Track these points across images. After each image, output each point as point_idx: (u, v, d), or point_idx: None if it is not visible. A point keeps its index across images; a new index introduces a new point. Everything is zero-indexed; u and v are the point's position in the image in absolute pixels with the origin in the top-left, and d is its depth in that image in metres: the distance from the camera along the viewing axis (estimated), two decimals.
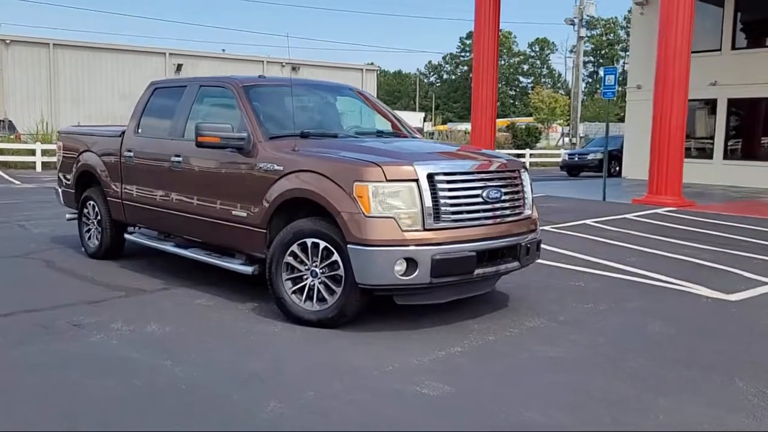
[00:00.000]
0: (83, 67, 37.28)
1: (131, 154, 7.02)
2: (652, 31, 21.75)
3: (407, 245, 4.77)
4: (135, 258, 7.74)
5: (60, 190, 8.53)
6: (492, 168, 5.33)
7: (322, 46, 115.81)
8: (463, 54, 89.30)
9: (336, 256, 5.01)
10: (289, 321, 5.24)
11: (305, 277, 5.19)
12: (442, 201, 4.90)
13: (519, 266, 5.40)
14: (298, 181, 5.21)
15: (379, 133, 6.45)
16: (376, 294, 5.05)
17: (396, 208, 4.82)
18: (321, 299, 5.14)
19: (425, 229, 4.84)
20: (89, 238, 7.89)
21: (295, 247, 5.19)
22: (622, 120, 66.50)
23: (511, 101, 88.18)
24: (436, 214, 4.87)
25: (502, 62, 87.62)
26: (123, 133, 7.28)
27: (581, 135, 44.78)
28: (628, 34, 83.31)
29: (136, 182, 7.00)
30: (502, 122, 46.68)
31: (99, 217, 7.66)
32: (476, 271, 5.01)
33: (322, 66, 43.17)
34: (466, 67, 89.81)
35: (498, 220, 5.24)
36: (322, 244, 5.06)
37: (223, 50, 46.94)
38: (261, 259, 5.67)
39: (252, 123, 5.74)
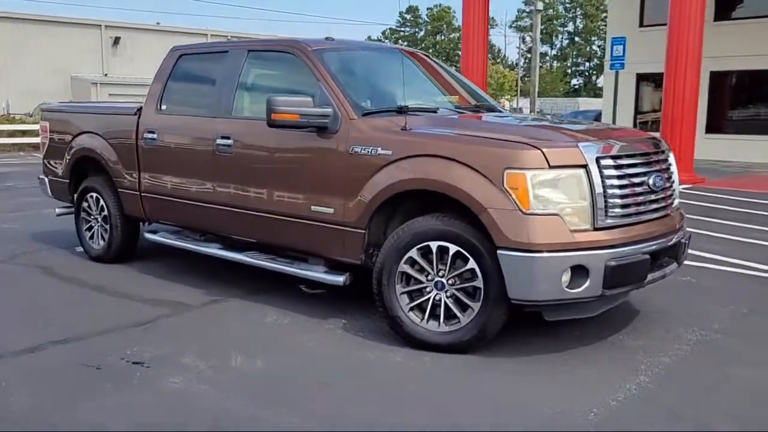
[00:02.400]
0: (9, 40, 34.41)
1: (154, 135, 5.73)
2: (630, 2, 21.25)
3: (577, 249, 3.76)
4: (149, 260, 6.48)
5: (47, 179, 7.12)
6: (651, 149, 4.35)
7: (255, 15, 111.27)
8: (402, 29, 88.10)
9: (472, 264, 3.95)
10: (405, 344, 4.18)
11: (427, 289, 4.13)
12: (609, 192, 3.90)
13: (677, 267, 4.48)
14: (416, 168, 4.11)
15: (477, 108, 5.35)
16: (527, 310, 4.03)
17: (560, 203, 3.80)
18: (449, 317, 4.09)
19: (595, 228, 3.84)
20: (92, 237, 6.56)
21: (413, 253, 4.11)
22: (567, 94, 66.94)
23: None
24: (605, 209, 3.87)
25: (442, 38, 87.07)
26: (139, 110, 5.97)
27: (537, 110, 44.45)
28: (566, 9, 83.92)
29: (162, 170, 5.73)
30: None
31: (106, 213, 6.34)
32: (648, 277, 4.06)
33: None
34: (406, 43, 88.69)
35: (662, 213, 4.29)
36: (453, 248, 3.99)
37: (158, 23, 44.27)
38: (350, 265, 4.58)
39: (338, 96, 4.58)
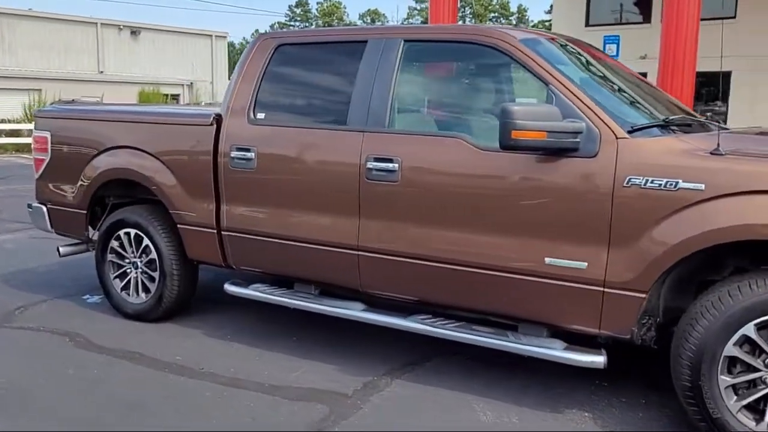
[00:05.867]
0: None
1: (250, 154, 4.16)
2: (575, 2, 20.96)
3: None
4: (206, 317, 4.93)
5: (45, 208, 5.28)
6: None
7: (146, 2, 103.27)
8: (292, 23, 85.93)
9: None
10: None
11: (766, 380, 2.94)
12: None
13: None
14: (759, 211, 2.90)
15: (710, 119, 4.17)
16: None
17: None
18: None
19: None
20: (126, 287, 4.87)
21: (749, 330, 2.92)
22: None
23: None
24: None
25: None
26: (218, 117, 4.37)
27: None
28: (461, 7, 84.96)
29: (262, 201, 4.18)
30: None
31: (153, 256, 4.69)
32: None
33: (167, 31, 38.47)
34: None
35: None
36: None
37: (30, 9, 39.89)
38: (600, 339, 3.33)
39: (589, 106, 3.29)
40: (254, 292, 4.32)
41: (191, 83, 37.93)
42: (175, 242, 4.62)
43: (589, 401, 3.57)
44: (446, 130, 3.73)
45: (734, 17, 18.05)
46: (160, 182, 4.55)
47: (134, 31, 37.27)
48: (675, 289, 3.31)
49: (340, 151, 3.87)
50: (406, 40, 3.86)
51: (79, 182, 4.97)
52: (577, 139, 3.21)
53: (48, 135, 5.17)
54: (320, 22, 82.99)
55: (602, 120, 3.24)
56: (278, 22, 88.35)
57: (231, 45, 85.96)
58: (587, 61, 3.91)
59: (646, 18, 19.69)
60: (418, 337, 3.85)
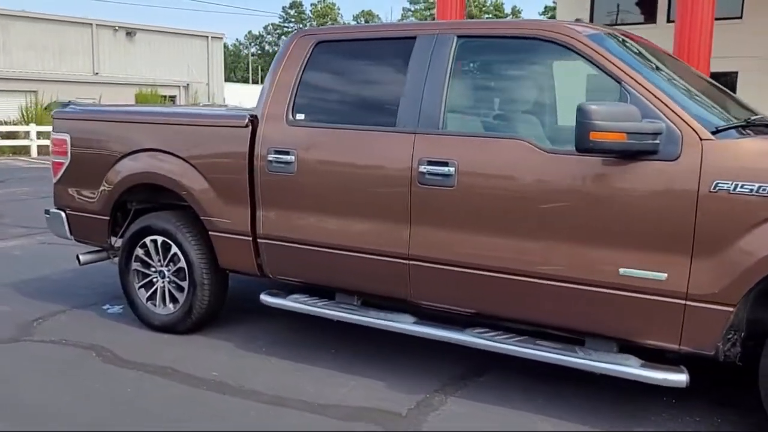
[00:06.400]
0: None
1: (290, 158, 3.92)
2: (579, 2, 20.79)
3: None
4: (234, 328, 4.68)
5: (64, 214, 5.02)
6: None
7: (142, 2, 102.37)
8: (286, 24, 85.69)
9: None
10: None
11: None
12: None
13: None
14: None
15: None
16: None
17: None
18: None
19: None
20: (152, 297, 4.62)
21: None
22: None
23: None
24: None
25: None
26: (253, 119, 4.13)
27: None
28: None
29: (303, 207, 3.94)
30: None
31: (182, 264, 4.44)
32: None
33: (163, 32, 38.12)
34: None
35: None
36: None
37: (22, 10, 39.46)
38: (680, 355, 3.11)
39: (669, 105, 3.07)
40: (294, 303, 4.07)
41: (187, 84, 37.62)
42: (205, 250, 4.38)
43: (662, 420, 3.35)
44: (505, 132, 3.51)
45: (740, 17, 17.90)
46: (191, 187, 4.30)
47: (129, 32, 36.94)
48: (756, 301, 3.09)
49: (389, 153, 3.64)
50: (459, 36, 3.64)
51: (102, 187, 4.72)
52: (657, 141, 2.99)
53: (67, 137, 4.92)
54: (314, 23, 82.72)
55: (684, 120, 3.02)
56: (272, 24, 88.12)
57: (224, 46, 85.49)
58: (652, 57, 3.68)
59: (651, 18, 19.52)
60: (460, 349, 3.65)
